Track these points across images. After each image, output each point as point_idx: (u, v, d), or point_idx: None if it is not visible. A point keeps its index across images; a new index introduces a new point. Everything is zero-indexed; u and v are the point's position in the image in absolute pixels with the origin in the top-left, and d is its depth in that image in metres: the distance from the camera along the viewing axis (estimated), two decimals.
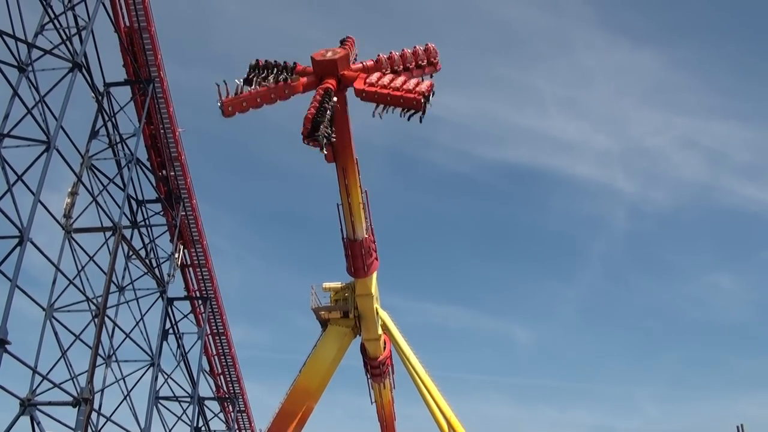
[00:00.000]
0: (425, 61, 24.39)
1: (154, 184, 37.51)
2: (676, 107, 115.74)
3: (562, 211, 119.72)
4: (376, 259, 33.46)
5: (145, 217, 37.75)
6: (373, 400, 44.00)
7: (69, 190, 30.79)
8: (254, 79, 23.78)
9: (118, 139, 33.60)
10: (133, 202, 36.68)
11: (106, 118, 33.07)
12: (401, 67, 24.07)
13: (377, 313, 37.63)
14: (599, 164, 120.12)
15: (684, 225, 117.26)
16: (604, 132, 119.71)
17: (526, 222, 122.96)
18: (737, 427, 42.72)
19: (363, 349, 40.26)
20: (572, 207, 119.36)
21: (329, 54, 23.39)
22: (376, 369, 41.03)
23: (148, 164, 37.01)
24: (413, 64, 24.25)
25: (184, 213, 39.08)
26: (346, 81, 23.65)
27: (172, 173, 37.92)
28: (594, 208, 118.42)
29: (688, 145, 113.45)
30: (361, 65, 24.11)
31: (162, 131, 36.45)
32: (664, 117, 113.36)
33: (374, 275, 35.11)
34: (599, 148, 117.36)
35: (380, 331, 39.01)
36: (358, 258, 31.97)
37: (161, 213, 38.66)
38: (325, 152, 22.09)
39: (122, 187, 32.99)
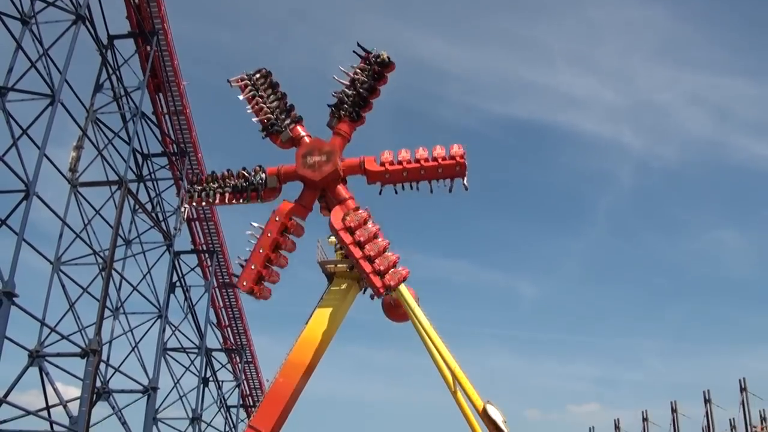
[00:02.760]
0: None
1: (160, 138, 37.47)
2: (685, 63, 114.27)
3: (569, 166, 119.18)
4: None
5: (151, 170, 37.81)
6: None
7: (74, 144, 30.81)
8: (212, 186, 22.19)
9: (122, 93, 33.50)
10: (139, 156, 36.72)
11: (111, 72, 32.92)
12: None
13: None
14: (607, 120, 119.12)
15: (691, 181, 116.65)
16: (612, 87, 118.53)
17: (532, 177, 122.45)
18: (739, 380, 43.26)
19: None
20: (579, 163, 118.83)
21: (317, 158, 21.01)
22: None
23: (153, 118, 36.92)
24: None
25: (189, 166, 39.09)
26: (349, 172, 21.60)
27: (177, 126, 37.87)
28: (601, 163, 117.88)
29: (696, 101, 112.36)
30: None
31: (166, 84, 36.31)
32: (673, 72, 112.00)
33: None
34: (607, 104, 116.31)
35: None
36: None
37: (167, 167, 38.70)
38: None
39: (127, 140, 32.99)
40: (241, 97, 22.15)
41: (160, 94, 36.89)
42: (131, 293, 35.13)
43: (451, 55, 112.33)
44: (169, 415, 38.76)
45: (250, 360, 48.17)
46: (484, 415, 20.33)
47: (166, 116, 37.53)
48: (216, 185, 22.20)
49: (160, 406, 36.38)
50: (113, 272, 30.44)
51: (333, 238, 23.32)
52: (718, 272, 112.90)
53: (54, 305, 28.48)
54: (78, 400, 26.41)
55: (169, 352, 39.04)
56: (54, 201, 27.67)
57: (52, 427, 26.21)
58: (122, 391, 34.02)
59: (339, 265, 40.61)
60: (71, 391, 28.65)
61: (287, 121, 21.63)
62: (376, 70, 21.03)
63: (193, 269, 42.07)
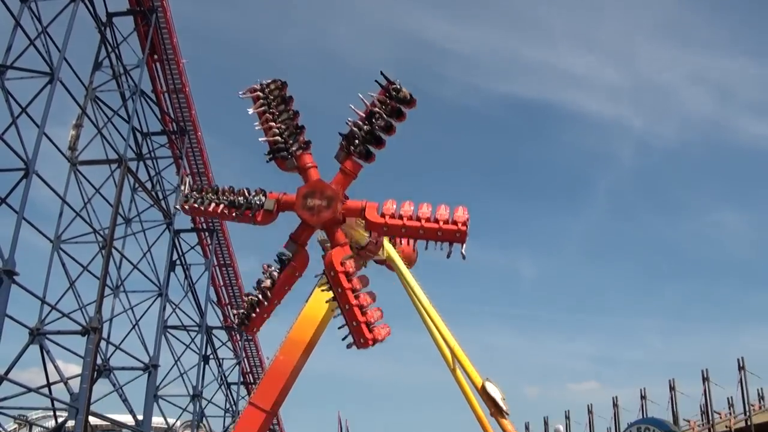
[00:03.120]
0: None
1: (159, 116, 37.37)
2: (686, 43, 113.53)
3: (569, 146, 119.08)
4: None
5: (150, 149, 37.74)
6: None
7: (73, 122, 30.75)
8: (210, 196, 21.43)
9: (121, 71, 33.37)
10: (138, 135, 36.63)
11: (110, 50, 32.79)
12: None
13: (383, 247, 38.03)
14: (608, 99, 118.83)
15: (691, 161, 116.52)
16: (614, 67, 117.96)
17: (533, 157, 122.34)
18: (738, 359, 43.35)
19: None
20: (580, 142, 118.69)
21: (318, 202, 20.17)
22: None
23: (152, 96, 36.79)
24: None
25: (189, 145, 39.00)
26: (348, 215, 21.00)
27: (177, 104, 37.76)
28: (602, 143, 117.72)
29: (697, 80, 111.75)
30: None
31: (166, 62, 36.16)
32: (674, 52, 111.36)
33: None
34: (609, 84, 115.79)
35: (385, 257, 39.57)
36: None
37: (166, 145, 38.63)
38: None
39: (127, 119, 32.89)
40: (251, 111, 21.41)
41: (160, 73, 36.74)
42: (131, 271, 35.24)
43: (453, 34, 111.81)
44: (170, 392, 39.10)
45: (251, 338, 48.35)
46: (483, 393, 20.36)
47: (166, 94, 37.40)
48: (214, 196, 21.82)
49: (160, 384, 36.52)
50: (113, 250, 30.48)
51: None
52: (717, 253, 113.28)
53: (54, 283, 28.64)
54: (79, 378, 26.52)
55: (169, 330, 39.16)
56: (54, 179, 27.69)
57: (53, 404, 26.45)
58: (123, 369, 34.24)
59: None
60: (72, 368, 28.90)
61: (294, 147, 20.88)
62: (395, 106, 19.95)
63: (193, 248, 42.15)
